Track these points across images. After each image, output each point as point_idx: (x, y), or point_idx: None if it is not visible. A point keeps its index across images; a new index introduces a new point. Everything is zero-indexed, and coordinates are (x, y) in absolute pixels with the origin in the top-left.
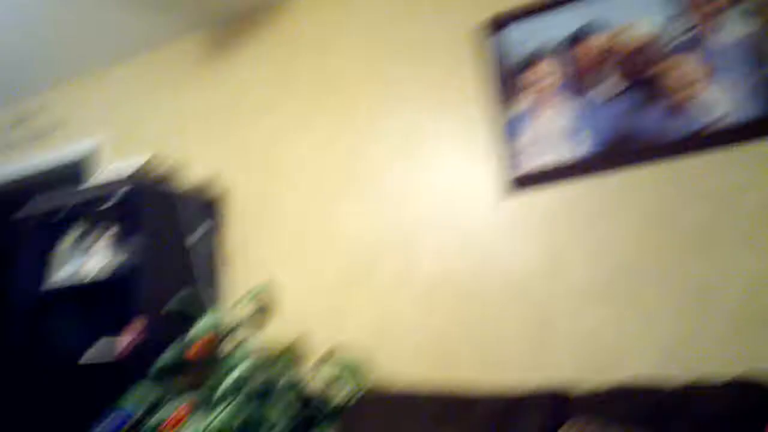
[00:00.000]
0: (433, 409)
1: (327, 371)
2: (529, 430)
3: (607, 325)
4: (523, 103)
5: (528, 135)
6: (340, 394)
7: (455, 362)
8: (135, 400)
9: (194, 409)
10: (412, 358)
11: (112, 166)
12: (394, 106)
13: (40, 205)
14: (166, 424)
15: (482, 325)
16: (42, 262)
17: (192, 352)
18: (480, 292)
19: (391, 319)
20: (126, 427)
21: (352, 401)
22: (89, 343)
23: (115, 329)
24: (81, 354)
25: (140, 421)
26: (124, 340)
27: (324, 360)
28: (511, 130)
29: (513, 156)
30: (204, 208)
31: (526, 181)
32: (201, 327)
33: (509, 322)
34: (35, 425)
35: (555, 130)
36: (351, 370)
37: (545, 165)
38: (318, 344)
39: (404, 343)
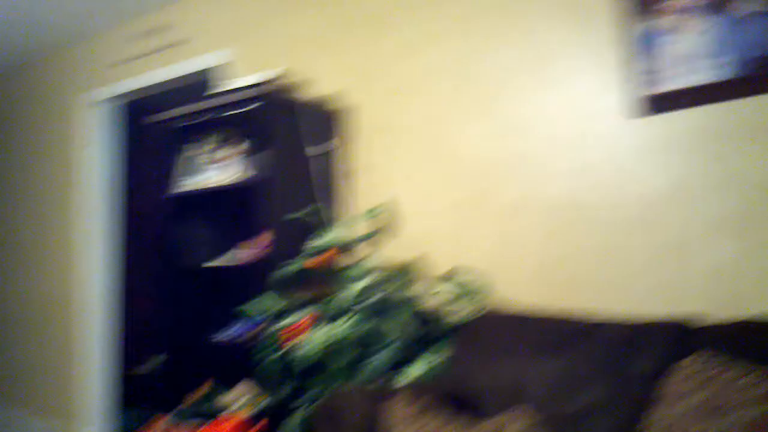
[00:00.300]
0: (551, 333)
1: (444, 291)
2: (650, 360)
3: (740, 259)
4: (660, 18)
5: (664, 54)
6: (456, 314)
7: (575, 290)
8: (258, 307)
9: (315, 321)
10: (530, 283)
11: (240, 79)
12: (520, 22)
13: (171, 113)
14: (289, 332)
15: (605, 253)
16: (172, 168)
17: (312, 264)
18: (605, 218)
19: (510, 242)
20: (251, 332)
21: (468, 321)
22: (214, 250)
23: (239, 238)
24: (207, 259)
25: (264, 329)
26: (248, 248)
27: (442, 280)
28: (645, 48)
29: (646, 76)
30: (328, 123)
31: (660, 103)
32: (322, 241)
33: (634, 250)
34: (164, 325)
35: (694, 48)
36: (468, 291)
37: (681, 86)
38: (435, 265)
39: (523, 267)
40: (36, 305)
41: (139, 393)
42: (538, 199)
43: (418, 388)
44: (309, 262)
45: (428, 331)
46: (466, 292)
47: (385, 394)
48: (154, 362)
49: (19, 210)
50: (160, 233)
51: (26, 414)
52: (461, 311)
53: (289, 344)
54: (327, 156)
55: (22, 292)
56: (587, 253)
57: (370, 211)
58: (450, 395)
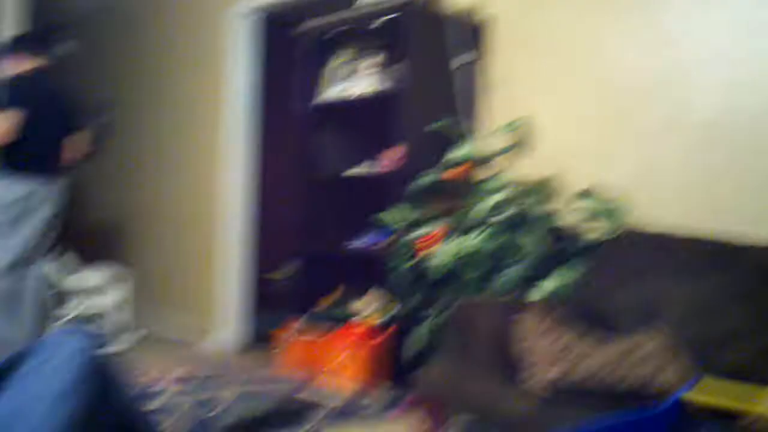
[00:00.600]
0: (691, 255)
1: (581, 209)
2: None
3: None
4: None
5: None
6: (592, 233)
7: (718, 212)
8: (394, 217)
9: (448, 232)
10: (671, 204)
11: None
12: None
13: (313, 24)
14: (422, 242)
15: (753, 176)
16: (314, 78)
17: (449, 176)
18: (755, 140)
19: (653, 161)
20: (385, 241)
21: (605, 240)
22: (352, 160)
23: (378, 148)
24: (345, 168)
25: (398, 238)
26: (387, 159)
27: (579, 197)
28: None
29: None
30: (469, 35)
31: None
32: (459, 153)
33: None
34: (300, 232)
35: None
36: (606, 209)
37: None
38: (573, 182)
39: (665, 187)
40: (181, 210)
41: (273, 297)
42: (685, 117)
43: (550, 303)
44: (446, 174)
45: (563, 248)
46: (603, 211)
47: (517, 306)
48: (289, 268)
49: (166, 117)
50: (300, 143)
51: (169, 311)
52: (598, 230)
53: (423, 254)
54: (467, 68)
55: (168, 199)
56: (733, 176)
57: (509, 124)
58: (583, 312)
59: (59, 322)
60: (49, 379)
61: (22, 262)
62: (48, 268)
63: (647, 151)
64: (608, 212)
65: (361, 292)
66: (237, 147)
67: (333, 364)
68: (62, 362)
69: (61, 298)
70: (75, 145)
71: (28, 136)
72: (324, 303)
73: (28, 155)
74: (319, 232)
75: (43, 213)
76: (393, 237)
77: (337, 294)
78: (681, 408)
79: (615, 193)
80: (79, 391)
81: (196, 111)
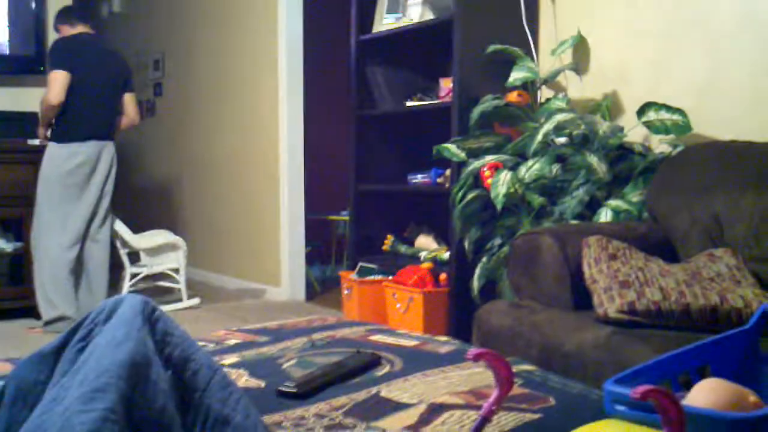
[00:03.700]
0: (759, 168)
1: (646, 123)
2: None
3: None
4: None
5: None
6: (654, 151)
7: None
8: (454, 149)
9: (509, 161)
10: (740, 119)
11: None
12: None
13: None
14: (485, 171)
15: None
16: (365, 12)
17: (511, 99)
18: None
19: (719, 72)
20: (444, 175)
21: (668, 158)
22: (409, 92)
23: (434, 78)
24: (402, 101)
25: (458, 170)
26: (443, 89)
27: (643, 112)
28: None
29: None
30: None
31: None
32: (517, 76)
33: None
34: (362, 167)
35: None
36: (672, 123)
37: None
38: (636, 98)
39: (732, 100)
40: (240, 158)
41: (334, 241)
42: (755, 21)
43: (613, 227)
44: (507, 97)
45: (625, 169)
46: (665, 128)
47: (579, 234)
48: (348, 210)
49: (219, 69)
50: (353, 79)
51: (229, 266)
52: (659, 148)
53: (483, 184)
54: None
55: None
56: None
57: (567, 42)
58: (646, 235)
59: (127, 283)
60: (107, 333)
61: (92, 224)
62: (115, 229)
63: (713, 61)
64: (674, 125)
65: (424, 229)
66: (291, 91)
67: (398, 306)
68: (120, 319)
69: (129, 258)
70: (125, 108)
71: (81, 99)
72: (387, 243)
73: (82, 118)
74: (378, 170)
75: (105, 175)
76: (454, 169)
77: (391, 239)
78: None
79: (677, 108)
80: (133, 338)
81: (249, 58)
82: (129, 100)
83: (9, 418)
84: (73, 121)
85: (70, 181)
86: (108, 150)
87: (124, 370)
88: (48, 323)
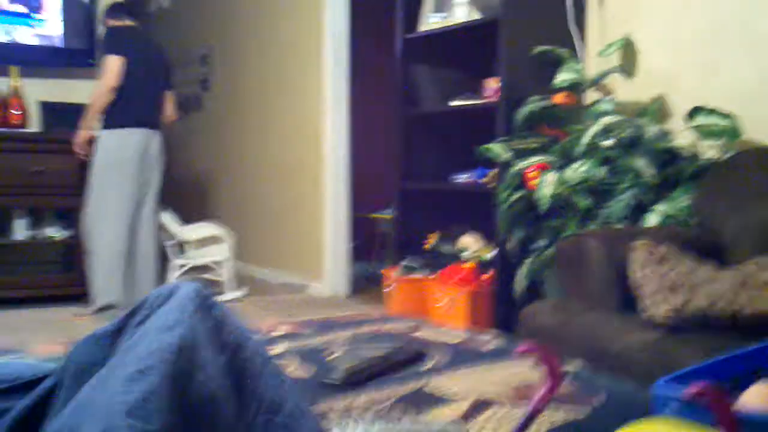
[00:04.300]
0: None
1: (695, 128)
2: None
3: None
4: None
5: None
6: (702, 156)
7: None
8: (499, 149)
9: (554, 162)
10: None
11: None
12: None
13: None
14: (530, 172)
15: None
16: (411, 11)
17: (557, 100)
18: None
19: None
20: (491, 174)
21: (716, 163)
22: (454, 91)
23: (479, 78)
24: (447, 100)
25: (504, 170)
26: (489, 89)
27: (692, 115)
28: None
29: None
30: None
31: None
32: (564, 77)
33: None
34: (406, 166)
35: None
36: (722, 127)
37: None
38: (684, 102)
39: None
40: (284, 157)
41: (378, 238)
42: None
43: (660, 232)
44: (554, 98)
45: (676, 171)
46: (714, 132)
47: (629, 235)
48: (392, 208)
49: (265, 64)
50: (398, 78)
51: (273, 259)
52: (708, 152)
53: (530, 184)
54: None
55: (271, 146)
56: None
57: (614, 44)
58: (694, 240)
59: (176, 272)
60: (159, 317)
61: (142, 214)
62: (164, 218)
63: (765, 62)
64: (718, 134)
65: (467, 229)
66: (337, 88)
67: (441, 304)
68: (173, 304)
69: (178, 248)
70: (168, 103)
71: (131, 86)
72: (430, 241)
73: (133, 105)
74: (422, 169)
75: (155, 165)
76: (499, 169)
77: (435, 237)
78: None
79: (725, 112)
80: (183, 324)
81: (295, 56)
82: (169, 97)
83: (68, 396)
84: (124, 108)
85: (122, 169)
86: (156, 139)
87: (171, 354)
88: (98, 310)
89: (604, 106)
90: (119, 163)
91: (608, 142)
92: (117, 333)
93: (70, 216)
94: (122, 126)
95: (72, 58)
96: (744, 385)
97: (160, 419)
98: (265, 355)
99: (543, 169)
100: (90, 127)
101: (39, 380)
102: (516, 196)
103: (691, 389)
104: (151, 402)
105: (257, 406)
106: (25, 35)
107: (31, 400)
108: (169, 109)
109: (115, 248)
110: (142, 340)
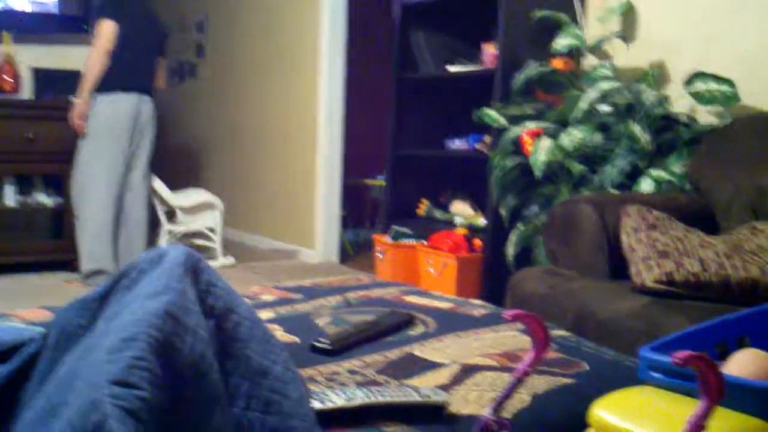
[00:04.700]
0: None
1: (693, 93)
2: None
3: None
4: None
5: None
6: (699, 123)
7: None
8: (495, 114)
9: (550, 128)
10: None
11: None
12: None
13: None
14: (526, 137)
15: None
16: None
17: (555, 65)
18: None
19: None
20: (484, 141)
21: (713, 130)
22: (454, 53)
23: (477, 44)
24: (443, 66)
25: (499, 136)
26: (486, 54)
27: (690, 81)
28: None
29: None
30: None
31: None
32: (563, 42)
33: None
34: (401, 132)
35: None
36: (720, 93)
37: None
38: (684, 68)
39: None
40: (278, 124)
41: (369, 204)
42: None
43: (654, 198)
44: (553, 63)
45: (668, 139)
46: (712, 98)
47: (619, 203)
48: (386, 173)
49: (261, 31)
50: (394, 43)
51: (264, 225)
52: (706, 119)
53: (523, 151)
54: None
55: (268, 114)
56: None
57: (614, 9)
58: (687, 206)
59: (166, 238)
60: (147, 283)
61: (132, 179)
62: (153, 186)
63: (766, 28)
64: (722, 96)
65: (460, 195)
66: (333, 54)
67: (432, 270)
68: (161, 270)
69: (166, 216)
70: (160, 71)
71: (124, 50)
72: (422, 208)
73: (125, 69)
74: (416, 135)
75: (146, 130)
76: (493, 136)
77: (425, 204)
78: None
79: (724, 79)
80: (172, 289)
81: (291, 21)
82: (161, 64)
83: (51, 360)
84: (116, 73)
85: (112, 133)
86: (148, 105)
87: (158, 320)
88: (87, 276)
89: (603, 72)
90: (110, 127)
91: (605, 108)
92: (105, 297)
93: (60, 183)
94: (114, 90)
95: (66, 24)
96: (731, 351)
97: (147, 386)
98: (254, 320)
99: (538, 135)
100: (88, 97)
101: (20, 346)
102: (510, 162)
103: (677, 356)
104: (137, 369)
105: (244, 369)
106: (20, 1)
107: (13, 366)
108: (161, 77)
109: (103, 214)
110: (129, 307)
